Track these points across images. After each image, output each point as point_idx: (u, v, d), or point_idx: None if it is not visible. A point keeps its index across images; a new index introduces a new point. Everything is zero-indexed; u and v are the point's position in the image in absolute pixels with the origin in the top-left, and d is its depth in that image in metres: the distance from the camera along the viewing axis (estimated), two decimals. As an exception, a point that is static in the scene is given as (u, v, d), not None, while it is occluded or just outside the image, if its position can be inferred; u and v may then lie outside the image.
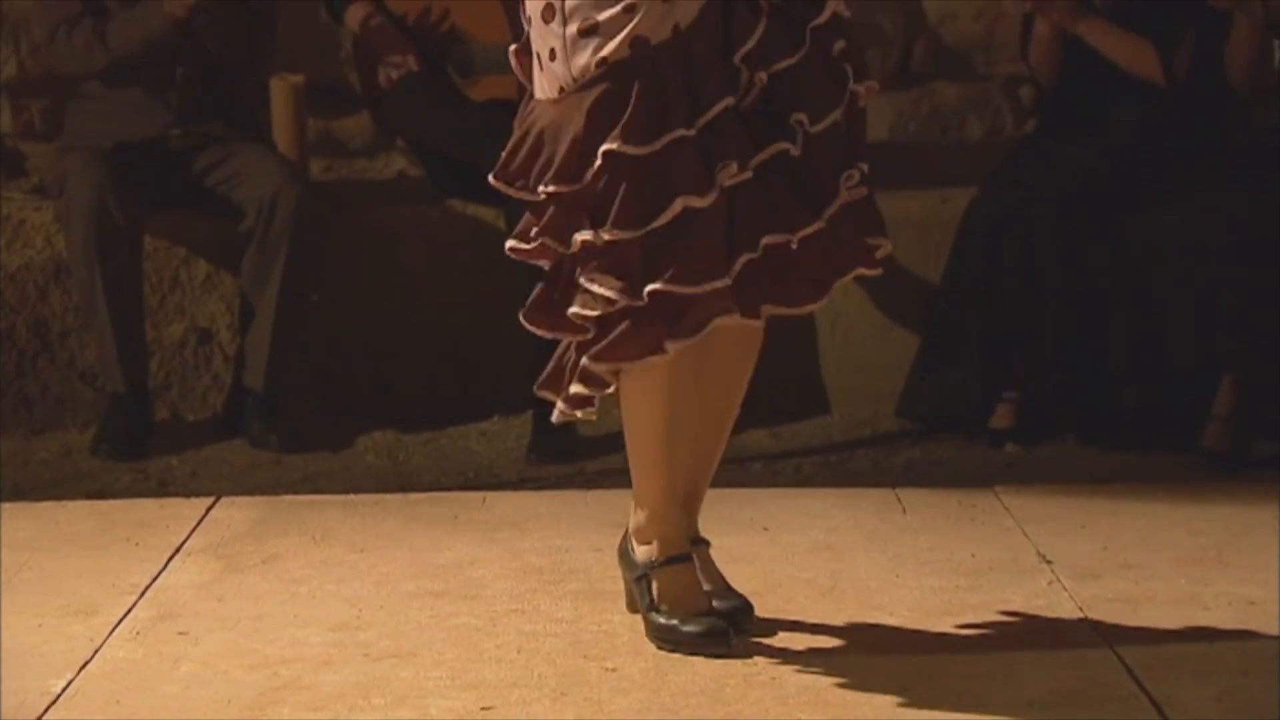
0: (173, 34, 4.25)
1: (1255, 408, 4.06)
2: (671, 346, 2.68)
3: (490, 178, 2.73)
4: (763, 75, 2.64)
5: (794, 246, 2.67)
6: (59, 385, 4.37)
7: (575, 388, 2.76)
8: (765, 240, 2.65)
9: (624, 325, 2.68)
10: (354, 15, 4.54)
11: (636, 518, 2.85)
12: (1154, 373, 4.13)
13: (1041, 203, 4.13)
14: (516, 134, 2.73)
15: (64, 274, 4.32)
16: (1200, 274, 4.11)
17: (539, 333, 2.80)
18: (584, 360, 2.73)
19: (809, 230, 2.67)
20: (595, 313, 2.68)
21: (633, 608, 2.90)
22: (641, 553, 2.84)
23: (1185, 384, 4.11)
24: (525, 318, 2.79)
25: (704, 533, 2.92)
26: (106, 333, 4.16)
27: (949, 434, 4.23)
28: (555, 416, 2.83)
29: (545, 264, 2.78)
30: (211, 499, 3.63)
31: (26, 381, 4.36)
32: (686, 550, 2.84)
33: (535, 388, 2.86)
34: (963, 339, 4.23)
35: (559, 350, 2.83)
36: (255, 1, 4.37)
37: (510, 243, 2.77)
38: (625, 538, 2.89)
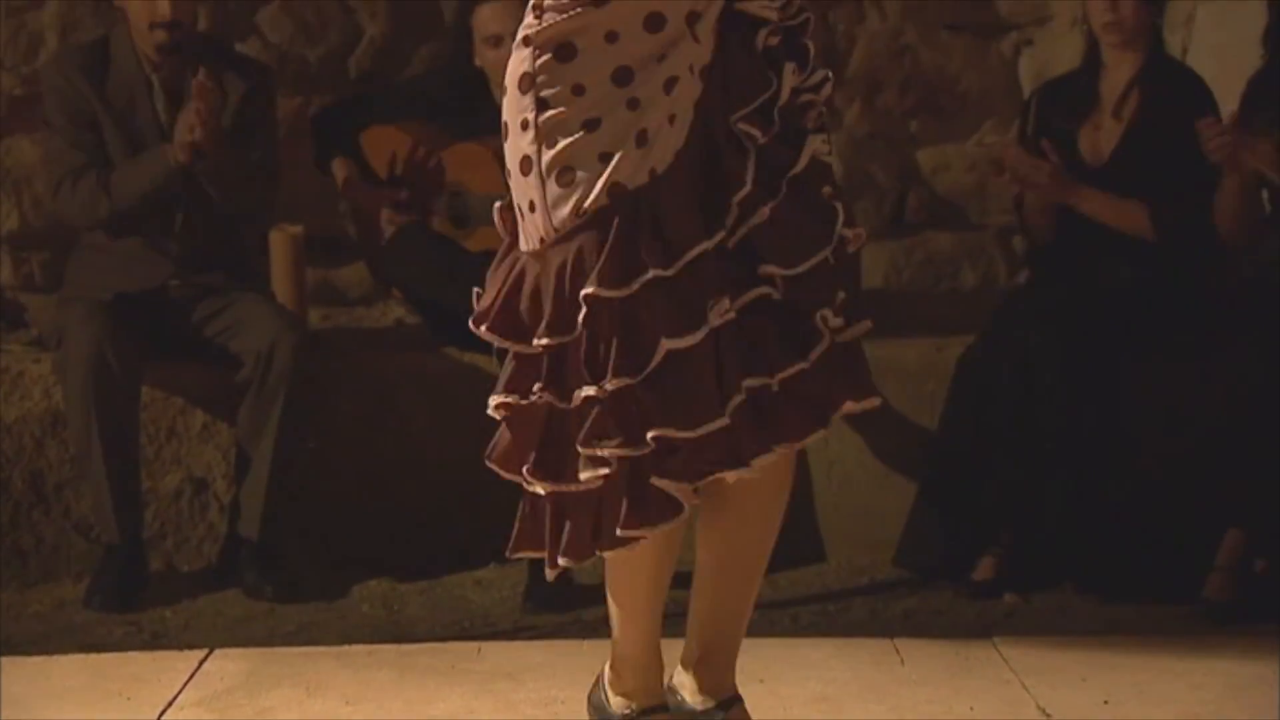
0: (176, 183, 4.28)
1: (1259, 558, 4.04)
2: (666, 486, 2.62)
3: (483, 330, 2.70)
4: (764, 210, 2.63)
5: (774, 388, 2.64)
6: (53, 536, 4.36)
7: (564, 560, 2.69)
8: (747, 383, 2.63)
9: (639, 489, 2.62)
10: (338, 170, 4.59)
11: (613, 666, 2.80)
12: (1154, 522, 4.12)
13: (1036, 355, 4.14)
14: (500, 285, 2.70)
15: (61, 426, 4.33)
16: (1199, 424, 4.11)
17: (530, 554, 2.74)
18: (619, 532, 2.63)
19: (791, 371, 2.64)
20: (607, 470, 2.62)
21: None
22: (617, 703, 2.80)
23: (1186, 534, 4.09)
24: (515, 550, 2.73)
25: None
26: (102, 483, 4.15)
27: (947, 583, 4.21)
28: (549, 575, 2.76)
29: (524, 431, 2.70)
30: (205, 651, 3.61)
31: (21, 533, 4.35)
32: (663, 702, 2.78)
33: (509, 551, 2.77)
34: (959, 488, 4.22)
35: (523, 507, 2.75)
36: (256, 153, 4.41)
37: (497, 398, 2.70)
38: (598, 684, 2.84)
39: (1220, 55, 4.76)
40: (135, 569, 4.20)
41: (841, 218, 2.68)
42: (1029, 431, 4.14)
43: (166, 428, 4.38)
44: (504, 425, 2.72)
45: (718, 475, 2.64)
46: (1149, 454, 4.15)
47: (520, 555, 2.76)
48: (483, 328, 2.69)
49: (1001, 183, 4.35)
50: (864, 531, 4.39)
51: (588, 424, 2.61)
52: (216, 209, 4.36)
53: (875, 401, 2.74)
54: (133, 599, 4.16)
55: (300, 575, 4.25)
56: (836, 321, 2.66)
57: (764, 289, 2.63)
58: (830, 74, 2.74)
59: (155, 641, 3.96)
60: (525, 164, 2.64)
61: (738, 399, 2.62)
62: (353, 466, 4.41)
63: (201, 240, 4.37)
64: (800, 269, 2.63)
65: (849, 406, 2.72)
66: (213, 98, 4.21)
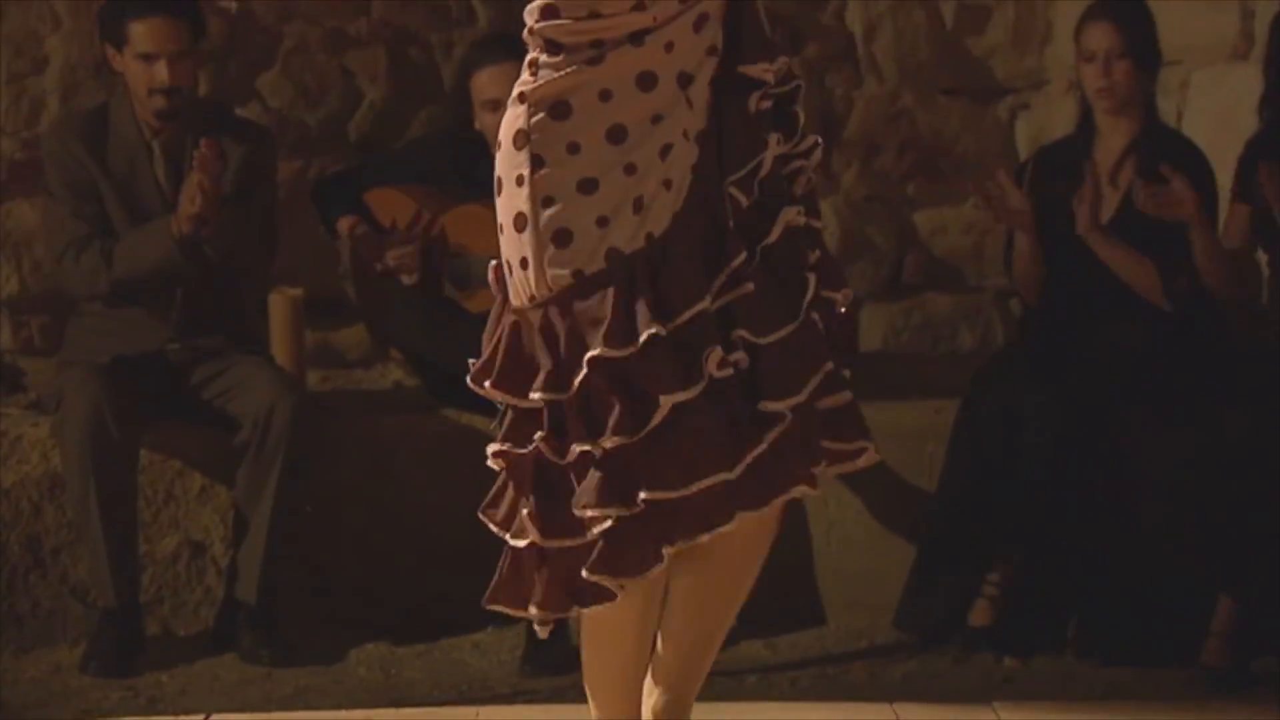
0: (180, 256, 4.29)
1: (1255, 624, 4.02)
2: (669, 551, 2.63)
3: (486, 386, 2.69)
4: (749, 285, 2.63)
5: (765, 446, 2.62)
6: (50, 601, 4.34)
7: (535, 609, 2.69)
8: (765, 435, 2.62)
9: (620, 535, 2.62)
10: (344, 225, 4.60)
11: None
12: (1152, 585, 4.10)
13: (1030, 416, 4.13)
14: (493, 340, 2.70)
15: (58, 489, 4.31)
16: (1197, 489, 4.09)
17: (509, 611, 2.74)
18: (584, 573, 2.64)
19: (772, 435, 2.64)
20: (602, 529, 2.62)
21: None
22: None
23: (1185, 596, 4.07)
24: (489, 601, 2.72)
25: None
26: (99, 547, 4.14)
27: (946, 646, 4.20)
28: (541, 633, 2.75)
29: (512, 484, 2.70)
30: (201, 716, 3.59)
31: (18, 598, 4.33)
32: None
33: (485, 601, 2.75)
34: (957, 550, 4.21)
35: (503, 560, 2.74)
36: (255, 216, 4.42)
37: (495, 446, 2.70)
38: None
39: (1215, 121, 4.79)
40: (132, 633, 4.19)
41: (812, 291, 2.68)
42: (1024, 493, 4.13)
43: (164, 491, 4.37)
44: (501, 477, 2.72)
45: (711, 534, 2.62)
46: (1146, 516, 4.13)
47: (495, 608, 2.75)
48: (486, 384, 2.69)
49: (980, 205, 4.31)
50: (863, 594, 4.38)
51: (585, 485, 2.61)
52: (216, 273, 4.36)
53: (863, 461, 2.73)
54: (129, 664, 4.15)
55: (297, 639, 4.23)
56: (796, 399, 2.63)
57: (738, 354, 2.63)
58: (820, 140, 2.75)
59: (152, 707, 3.95)
60: (519, 220, 2.64)
61: (755, 452, 2.60)
62: (351, 529, 4.39)
63: (201, 304, 4.37)
64: (766, 340, 2.63)
65: (856, 462, 2.72)
66: (214, 167, 4.22)
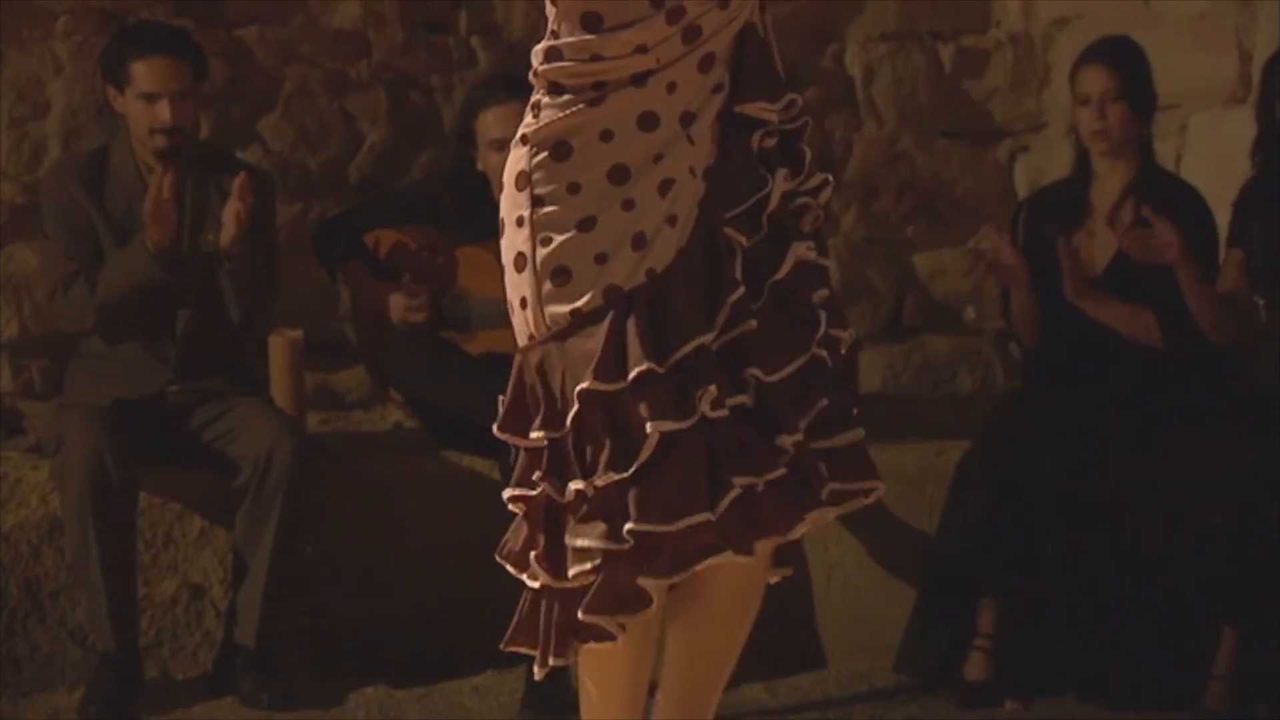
0: (157, 272, 4.25)
1: (1257, 667, 4.01)
2: (648, 584, 2.62)
3: (495, 430, 2.70)
4: (752, 322, 2.63)
5: (759, 489, 2.63)
6: (49, 645, 4.32)
7: (555, 660, 2.68)
8: (737, 480, 2.62)
9: (606, 575, 2.62)
10: (348, 270, 4.60)
11: None
12: (1155, 627, 4.08)
13: (1034, 461, 4.12)
14: (510, 383, 2.71)
15: (58, 533, 4.30)
16: (1199, 528, 4.08)
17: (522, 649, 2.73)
18: (580, 615, 2.65)
19: (773, 475, 2.63)
20: (593, 564, 2.62)
21: None
22: None
23: (1188, 639, 4.06)
24: (509, 644, 2.73)
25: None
26: (98, 590, 4.12)
27: (948, 690, 4.18)
28: (537, 674, 2.74)
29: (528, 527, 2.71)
30: (200, 761, 3.58)
31: (16, 642, 4.31)
32: None
33: (504, 643, 2.75)
34: (958, 593, 4.19)
35: (523, 602, 2.74)
36: (257, 258, 4.41)
37: (510, 491, 2.70)
38: None
39: (1214, 164, 4.78)
40: (130, 677, 4.16)
41: (823, 328, 2.69)
42: (1026, 537, 4.12)
43: (164, 534, 4.35)
44: (518, 519, 2.72)
45: (699, 567, 2.62)
46: (1148, 555, 4.12)
47: (514, 649, 2.75)
48: (493, 427, 2.70)
49: (979, 268, 4.33)
50: (864, 637, 4.36)
51: (576, 518, 2.61)
52: (216, 314, 4.36)
53: (868, 498, 2.72)
54: (128, 708, 4.12)
55: (297, 683, 4.21)
56: (795, 437, 2.64)
57: (743, 397, 2.63)
58: (830, 178, 2.75)
59: (150, 751, 3.94)
60: (519, 260, 2.65)
61: (732, 494, 2.60)
62: (350, 572, 4.38)
63: (201, 346, 4.37)
64: (778, 376, 2.63)
65: (868, 495, 2.71)
66: (250, 199, 4.21)
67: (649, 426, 2.57)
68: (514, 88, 4.53)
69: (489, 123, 4.51)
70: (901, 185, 5.40)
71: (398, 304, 4.51)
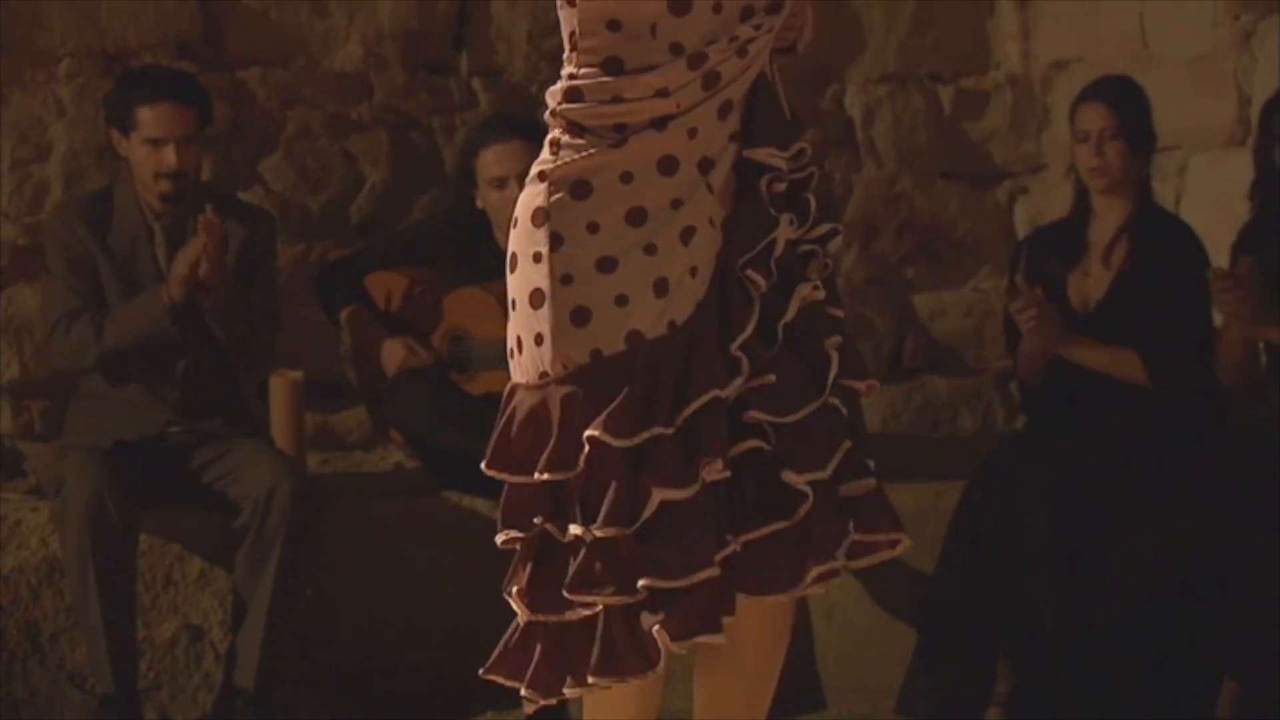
0: (169, 324, 4.27)
1: (1259, 715, 3.99)
2: (667, 644, 2.59)
3: (483, 466, 2.68)
4: (771, 377, 2.61)
5: (736, 549, 2.61)
6: (48, 688, 4.29)
7: (544, 701, 2.66)
8: (739, 535, 2.61)
9: (621, 635, 2.59)
10: (349, 316, 4.61)
11: None
12: (1156, 673, 4.05)
13: (1031, 501, 4.10)
14: (502, 421, 2.69)
15: (57, 575, 4.28)
16: (1201, 578, 4.04)
17: (508, 680, 2.70)
18: (589, 679, 2.61)
19: (768, 529, 2.62)
20: (591, 611, 2.60)
21: None
22: None
23: (1189, 685, 4.03)
24: (488, 671, 2.70)
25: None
26: (97, 632, 4.10)
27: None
28: (526, 709, 2.72)
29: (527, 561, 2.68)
30: (199, 804, 3.56)
31: (15, 684, 4.29)
32: None
33: (483, 670, 2.72)
34: (958, 635, 4.17)
35: (510, 631, 2.71)
36: (256, 299, 4.41)
37: (504, 535, 2.68)
38: None
39: (1213, 206, 4.78)
40: (130, 720, 4.16)
41: (835, 368, 2.68)
42: (1024, 579, 4.09)
43: (163, 575, 4.34)
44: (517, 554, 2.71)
45: (706, 639, 2.59)
46: (1148, 603, 4.08)
47: (491, 678, 2.72)
48: (482, 464, 2.68)
49: (1017, 308, 4.31)
50: (864, 679, 4.34)
51: (575, 566, 2.60)
52: (217, 355, 4.35)
53: (893, 549, 2.71)
54: (127, 751, 4.12)
55: (296, 724, 4.21)
56: (819, 475, 2.63)
57: (755, 442, 2.61)
58: (838, 227, 2.74)
59: (149, 794, 3.92)
60: (536, 297, 2.63)
61: (729, 549, 2.59)
62: (351, 614, 4.36)
63: (202, 386, 4.36)
64: (790, 419, 2.62)
65: (883, 552, 2.70)
66: (219, 233, 4.21)
67: (655, 497, 2.56)
68: (515, 127, 4.54)
69: (489, 161, 4.52)
70: (901, 226, 5.40)
71: (394, 356, 4.49)
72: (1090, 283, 4.32)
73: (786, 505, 2.62)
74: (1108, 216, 4.33)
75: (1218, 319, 4.25)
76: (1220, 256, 4.32)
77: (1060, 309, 4.28)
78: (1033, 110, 5.43)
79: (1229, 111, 4.91)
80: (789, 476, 2.61)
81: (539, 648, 2.66)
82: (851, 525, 2.67)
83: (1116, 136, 4.28)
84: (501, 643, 2.71)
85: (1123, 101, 4.32)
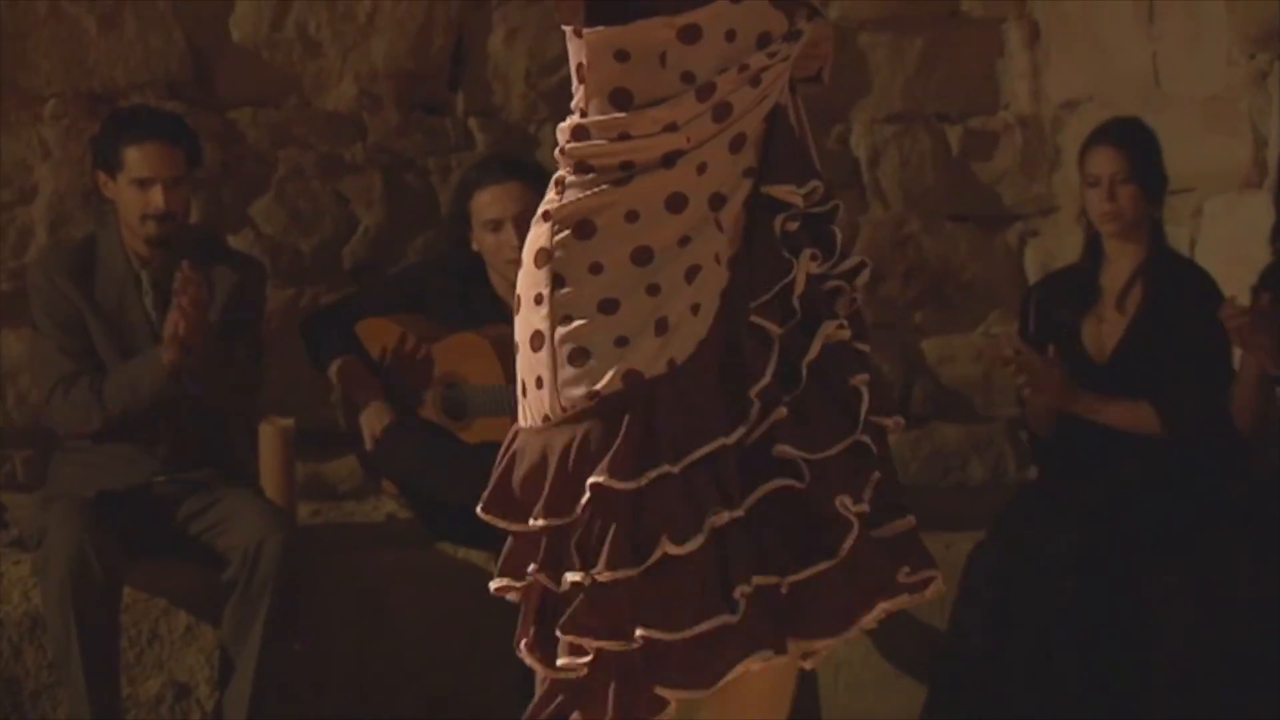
0: (171, 386, 4.23)
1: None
2: (672, 695, 2.57)
3: (479, 510, 2.67)
4: (782, 410, 2.59)
5: (783, 590, 2.59)
6: (28, 748, 4.24)
7: None
8: (756, 580, 2.57)
9: (621, 685, 2.57)
10: (339, 367, 4.57)
11: None
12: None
13: (1048, 559, 4.04)
14: (502, 464, 2.68)
15: (39, 630, 4.21)
16: (1212, 628, 4.01)
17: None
18: None
19: (807, 573, 2.59)
20: (586, 659, 2.57)
21: None
22: None
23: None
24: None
25: None
26: (80, 689, 4.03)
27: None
28: None
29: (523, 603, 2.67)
30: None
31: (-5, 744, 4.24)
32: None
33: None
34: (970, 691, 4.10)
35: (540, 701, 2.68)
36: (242, 348, 4.36)
37: (498, 582, 2.68)
38: None
39: (1229, 249, 4.75)
40: (113, 781, 4.08)
41: (867, 403, 2.64)
42: (1044, 638, 4.02)
43: (148, 630, 4.27)
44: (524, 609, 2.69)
45: (730, 676, 2.56)
46: (1165, 656, 4.04)
47: None
48: (478, 508, 2.66)
49: (1007, 373, 4.33)
50: (871, 737, 4.29)
51: (570, 610, 2.57)
52: (200, 404, 4.30)
53: (931, 591, 2.68)
54: (110, 812, 4.04)
55: (285, 785, 4.13)
56: (861, 507, 2.60)
57: (786, 480, 2.58)
58: (866, 260, 2.72)
59: None
60: (536, 339, 2.62)
61: (742, 593, 2.55)
62: (342, 669, 4.31)
63: (189, 436, 4.32)
64: (823, 455, 2.59)
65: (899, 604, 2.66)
66: (197, 289, 4.18)
67: (663, 542, 2.54)
68: (511, 168, 4.53)
69: (484, 203, 4.50)
70: (909, 269, 5.38)
71: (370, 424, 4.43)
72: (1105, 329, 4.30)
73: (828, 542, 2.59)
74: (1120, 261, 4.30)
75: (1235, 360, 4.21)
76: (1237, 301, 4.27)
77: (1075, 358, 4.24)
78: (1043, 151, 5.42)
79: (1244, 153, 4.89)
80: (843, 502, 2.58)
81: (556, 704, 2.65)
82: (905, 568, 2.65)
83: (1128, 180, 4.27)
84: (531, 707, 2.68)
85: (1133, 144, 4.32)
